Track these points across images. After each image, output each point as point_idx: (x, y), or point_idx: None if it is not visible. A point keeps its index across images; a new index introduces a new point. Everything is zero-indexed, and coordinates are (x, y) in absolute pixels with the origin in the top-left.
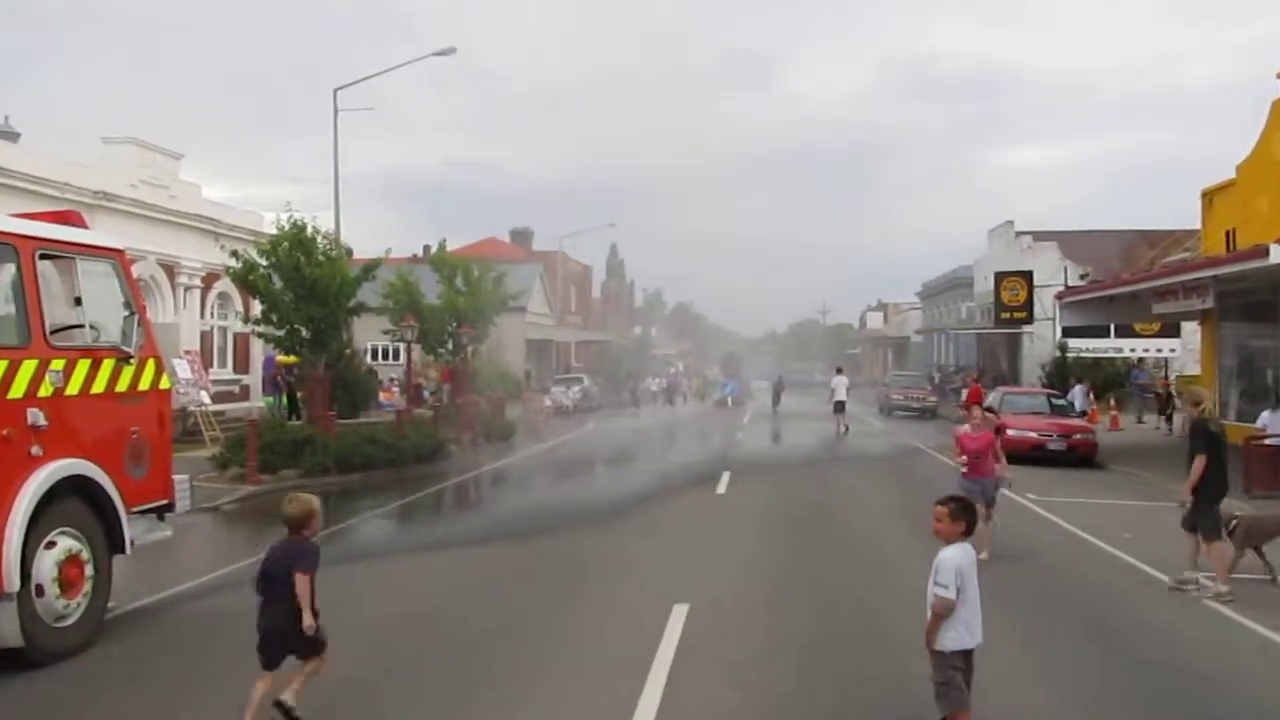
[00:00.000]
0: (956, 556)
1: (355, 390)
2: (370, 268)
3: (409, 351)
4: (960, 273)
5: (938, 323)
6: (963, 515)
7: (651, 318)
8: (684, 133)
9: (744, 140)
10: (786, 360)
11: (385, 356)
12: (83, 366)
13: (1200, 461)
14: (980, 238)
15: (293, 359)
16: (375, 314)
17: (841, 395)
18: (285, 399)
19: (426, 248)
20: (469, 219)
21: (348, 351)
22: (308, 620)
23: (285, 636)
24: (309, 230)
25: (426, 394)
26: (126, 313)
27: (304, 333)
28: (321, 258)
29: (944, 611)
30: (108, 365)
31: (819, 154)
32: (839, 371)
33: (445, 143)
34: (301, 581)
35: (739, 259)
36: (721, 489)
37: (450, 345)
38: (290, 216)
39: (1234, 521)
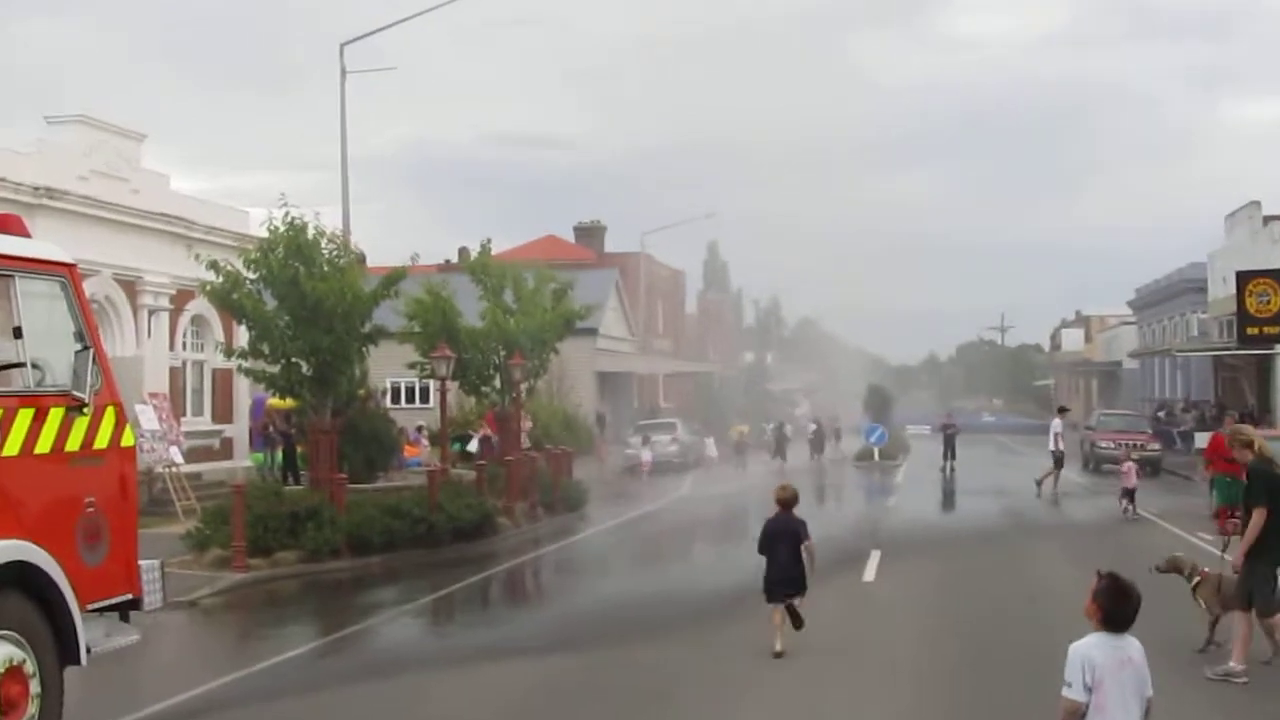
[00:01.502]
0: (1087, 648)
1: (372, 444)
2: (391, 280)
3: (443, 392)
4: (1189, 273)
5: (1158, 342)
6: (1103, 599)
7: (767, 340)
8: (808, 90)
9: (887, 101)
10: (953, 395)
11: (411, 398)
12: (24, 418)
13: (1260, 516)
14: (1214, 225)
15: (289, 403)
16: (397, 341)
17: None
18: (280, 456)
19: (464, 251)
20: (521, 212)
21: (361, 392)
22: (809, 569)
23: (787, 580)
24: (310, 232)
25: (477, 445)
26: (79, 346)
27: (304, 368)
28: (327, 268)
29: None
30: (55, 416)
31: (988, 117)
32: (1061, 413)
33: (488, 115)
34: (808, 547)
35: (883, 260)
36: (869, 574)
37: (498, 382)
38: (285, 214)
39: (1199, 578)
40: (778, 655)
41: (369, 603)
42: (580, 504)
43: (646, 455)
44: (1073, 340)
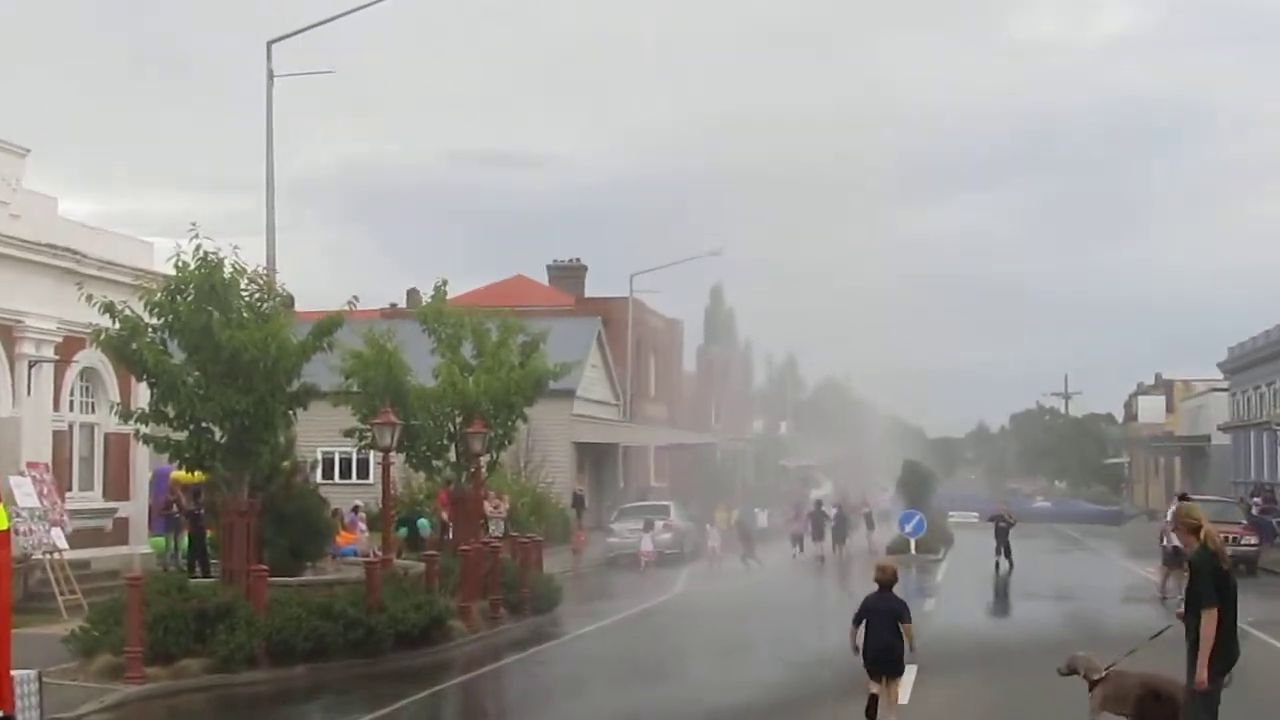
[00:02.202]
0: None
1: (299, 528)
2: (325, 329)
3: (386, 465)
4: None
5: (1256, 413)
6: (1149, 711)
7: (781, 405)
8: (831, 104)
9: (926, 118)
10: (1005, 473)
11: (347, 473)
12: None
13: (1211, 618)
14: None
15: (199, 477)
16: (331, 404)
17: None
18: (186, 542)
19: (413, 294)
20: (486, 247)
21: (286, 465)
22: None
23: (886, 660)
24: (227, 270)
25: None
26: None
27: (217, 435)
28: (246, 314)
29: None
30: None
31: (1049, 139)
32: (1183, 499)
33: (450, 129)
34: (906, 629)
35: (922, 311)
36: (903, 696)
37: (453, 454)
38: (197, 247)
39: (1099, 676)
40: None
41: None
42: (552, 604)
43: (648, 545)
44: (1151, 410)
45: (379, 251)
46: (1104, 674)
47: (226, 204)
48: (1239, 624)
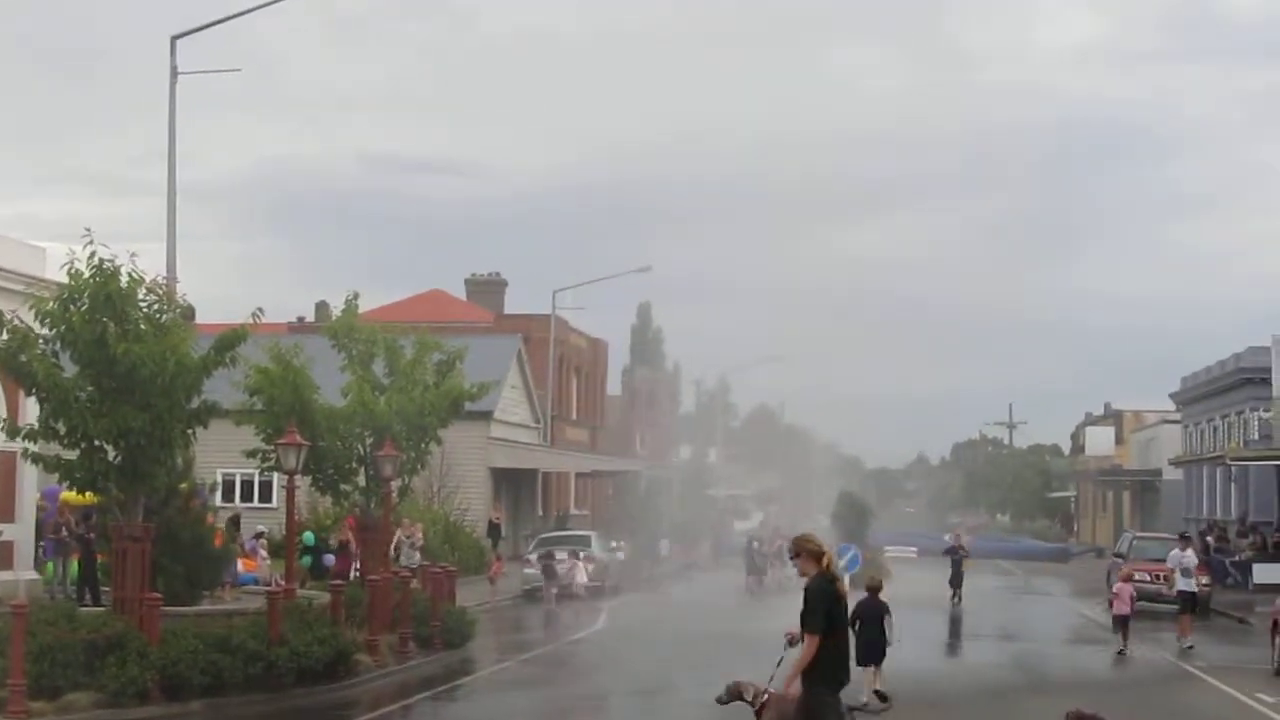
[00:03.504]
0: None
1: (197, 555)
2: (227, 343)
3: (290, 489)
4: (1248, 360)
5: (1209, 446)
6: None
7: (710, 431)
8: (769, 112)
9: (865, 131)
10: (945, 507)
11: (249, 496)
12: None
13: (812, 643)
14: None
15: (90, 499)
16: (234, 423)
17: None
18: (76, 568)
19: (323, 307)
20: (402, 259)
21: (184, 487)
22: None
23: (876, 651)
24: (124, 278)
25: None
26: None
27: (111, 454)
28: (144, 326)
29: None
30: None
31: (992, 155)
32: (1184, 540)
33: (368, 132)
34: (888, 621)
35: (861, 336)
36: None
37: (362, 478)
38: (91, 254)
39: (764, 700)
40: (864, 706)
41: None
42: (465, 639)
43: (581, 576)
44: (1100, 441)
45: (288, 262)
46: (766, 697)
47: (126, 208)
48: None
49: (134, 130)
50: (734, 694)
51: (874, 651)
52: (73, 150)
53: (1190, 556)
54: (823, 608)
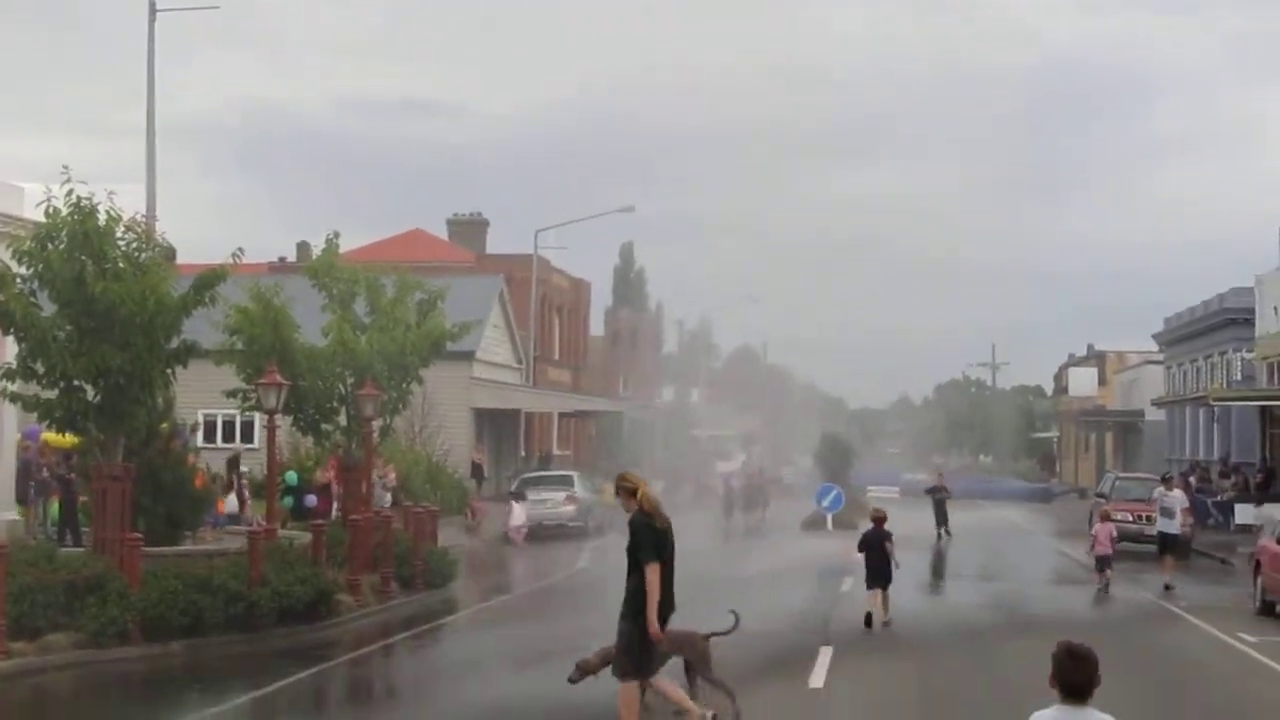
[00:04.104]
0: (1045, 718)
1: (177, 496)
2: (206, 282)
3: (271, 429)
4: (1231, 301)
5: (1191, 387)
6: (1056, 669)
7: (693, 373)
8: (753, 53)
9: (852, 71)
10: (927, 448)
11: (231, 436)
12: None
13: (653, 571)
14: (1265, 242)
15: (71, 440)
16: (214, 363)
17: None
18: (57, 509)
19: (304, 247)
20: (385, 200)
21: (165, 427)
22: (895, 560)
23: (882, 574)
24: (102, 217)
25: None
26: None
27: (90, 394)
28: (123, 265)
29: None
30: None
31: (980, 97)
32: (1167, 481)
33: (351, 72)
34: (888, 547)
35: (845, 277)
36: (817, 679)
37: (344, 418)
38: (69, 192)
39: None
40: (869, 624)
41: (166, 704)
42: (447, 579)
43: (519, 518)
44: (1083, 382)
45: (269, 203)
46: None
47: (108, 149)
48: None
49: (114, 71)
50: (584, 670)
51: (880, 575)
52: (52, 91)
53: (1175, 497)
54: (650, 539)
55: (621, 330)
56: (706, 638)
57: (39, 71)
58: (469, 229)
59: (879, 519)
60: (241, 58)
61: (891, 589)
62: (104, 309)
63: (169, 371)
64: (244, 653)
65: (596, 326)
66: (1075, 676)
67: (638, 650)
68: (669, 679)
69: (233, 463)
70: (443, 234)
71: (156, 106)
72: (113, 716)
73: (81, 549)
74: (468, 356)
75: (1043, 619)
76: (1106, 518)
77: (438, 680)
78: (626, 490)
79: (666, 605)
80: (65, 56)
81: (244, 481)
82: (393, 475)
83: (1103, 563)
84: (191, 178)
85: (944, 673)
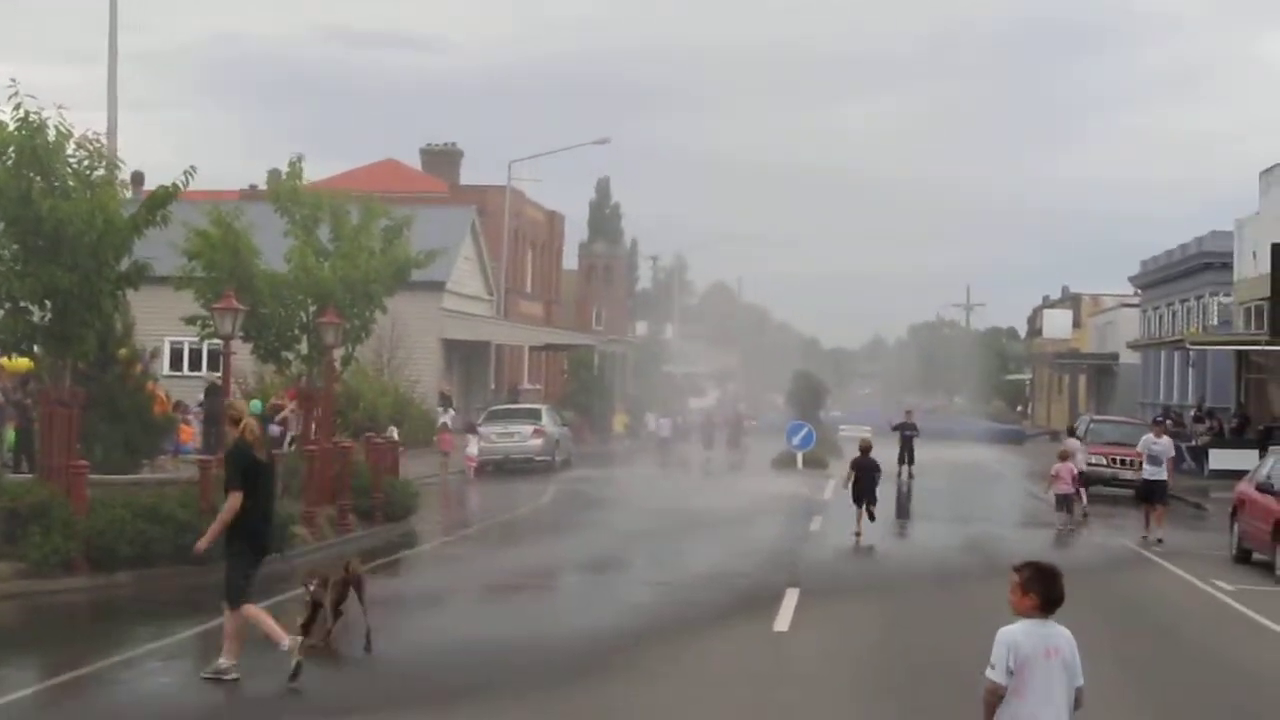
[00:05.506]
0: (1014, 634)
1: (135, 423)
2: (158, 202)
3: (227, 356)
4: (1210, 245)
5: (1167, 331)
6: (1035, 586)
7: (667, 308)
8: None
9: (826, 5)
10: (901, 388)
11: (197, 364)
12: None
13: (235, 498)
14: (1245, 185)
15: (25, 364)
16: (174, 288)
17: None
18: (13, 436)
19: (275, 175)
20: (360, 131)
21: (124, 353)
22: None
23: (870, 493)
24: (50, 131)
25: (283, 431)
26: None
27: (36, 316)
28: (72, 183)
29: (988, 699)
30: None
31: (956, 35)
32: (1158, 425)
33: (321, 4)
34: (876, 476)
35: (819, 214)
36: (782, 623)
37: (304, 346)
38: (17, 105)
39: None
40: (858, 535)
41: (110, 636)
42: (407, 512)
43: (472, 449)
44: (1057, 324)
45: (241, 133)
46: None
47: (74, 75)
48: None
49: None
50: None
51: (867, 495)
52: (21, 13)
53: (1164, 444)
54: (239, 467)
55: (596, 265)
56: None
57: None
58: (443, 159)
59: (865, 449)
60: None
61: (845, 534)
62: (51, 228)
63: (118, 293)
64: (193, 584)
65: (570, 261)
66: (1054, 591)
67: (241, 578)
68: (260, 608)
69: (212, 389)
70: (415, 163)
71: (128, 33)
72: (57, 643)
73: (28, 477)
74: (438, 287)
75: (1013, 562)
76: (1064, 457)
77: (395, 615)
78: (231, 419)
79: (259, 536)
80: None
81: (197, 412)
82: (289, 409)
83: (1063, 501)
84: (166, 105)
85: (911, 616)
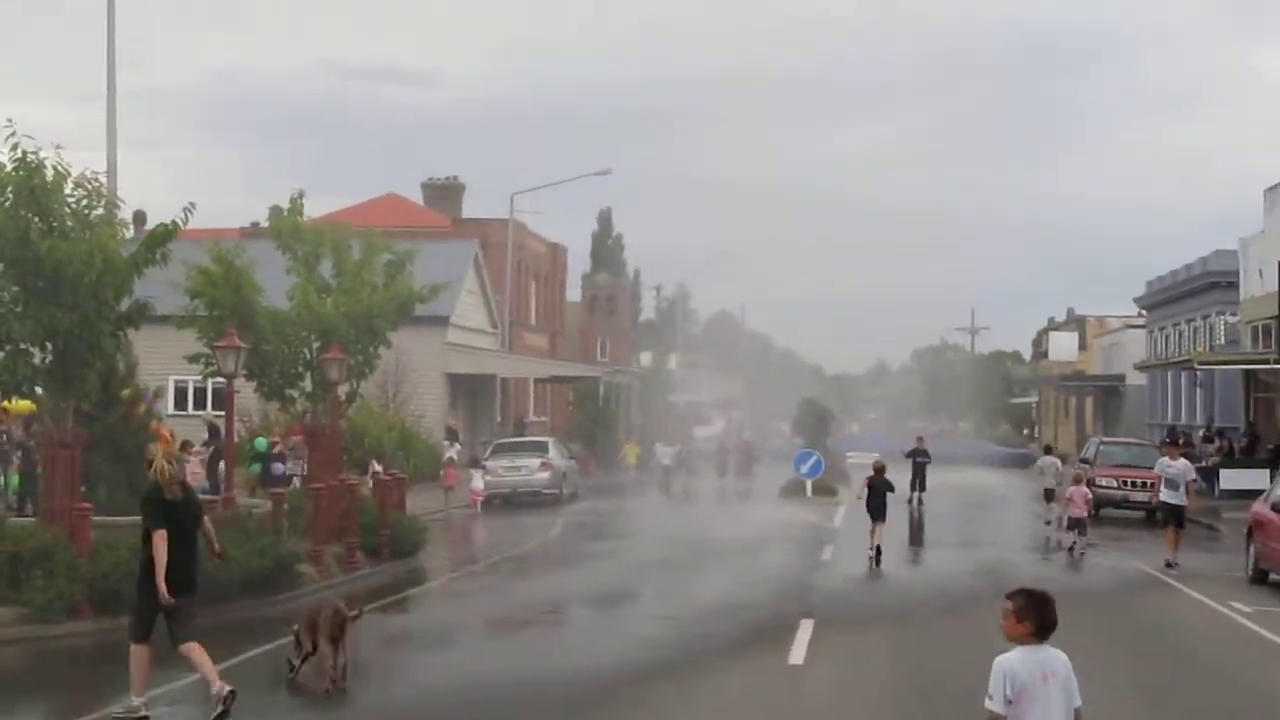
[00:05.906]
0: (1010, 662)
1: (138, 464)
2: (157, 240)
3: (230, 394)
4: (1215, 264)
5: (1174, 351)
6: (1029, 614)
7: (670, 338)
8: (734, 15)
9: (828, 30)
10: (905, 413)
11: (202, 403)
12: None
13: (160, 538)
14: (1250, 203)
15: (30, 405)
16: (176, 327)
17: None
18: (18, 478)
19: (276, 212)
20: (361, 167)
21: (127, 393)
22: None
23: (882, 510)
24: (49, 171)
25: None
26: None
27: (37, 357)
28: (71, 223)
29: None
30: None
31: (958, 55)
32: (1173, 448)
33: (328, 39)
34: (889, 494)
35: (823, 241)
36: (797, 656)
37: (308, 383)
38: (15, 147)
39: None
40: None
41: (115, 681)
42: (416, 548)
43: (478, 483)
44: (1063, 347)
45: (245, 170)
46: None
47: (74, 116)
48: None
49: (82, 36)
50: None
51: (879, 513)
52: (18, 54)
53: (1180, 467)
54: (155, 508)
55: (599, 296)
56: (355, 614)
57: (4, 34)
58: (445, 193)
59: (879, 469)
60: (218, 25)
61: (857, 563)
62: (50, 268)
63: (119, 334)
64: (201, 626)
65: (574, 293)
66: (1048, 617)
67: (145, 615)
68: (199, 647)
69: (214, 430)
70: (417, 198)
71: (128, 71)
72: (59, 693)
73: (31, 520)
74: (442, 321)
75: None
76: (1079, 481)
77: (403, 654)
78: (147, 462)
79: (182, 573)
80: (32, 21)
81: (203, 450)
82: (281, 446)
83: (1075, 524)
84: (166, 144)
85: (927, 644)
